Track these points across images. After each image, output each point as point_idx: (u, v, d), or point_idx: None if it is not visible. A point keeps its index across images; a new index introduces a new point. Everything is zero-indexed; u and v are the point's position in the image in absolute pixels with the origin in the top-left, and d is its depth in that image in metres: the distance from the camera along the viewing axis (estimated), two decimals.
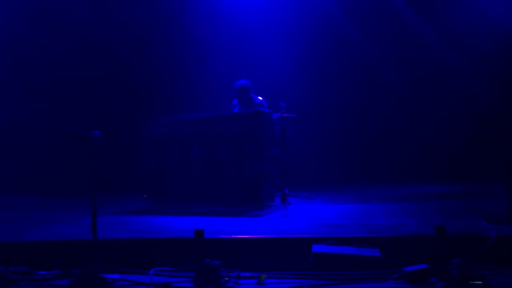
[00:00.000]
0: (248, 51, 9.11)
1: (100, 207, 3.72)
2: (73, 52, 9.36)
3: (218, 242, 3.86)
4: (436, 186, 7.67)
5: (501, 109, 8.36)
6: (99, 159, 3.79)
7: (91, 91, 9.34)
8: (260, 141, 5.77)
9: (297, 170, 7.81)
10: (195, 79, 9.21)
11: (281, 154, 6.42)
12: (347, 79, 9.25)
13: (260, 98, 6.59)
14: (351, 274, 3.50)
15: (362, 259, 3.59)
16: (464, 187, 7.36)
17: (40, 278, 3.64)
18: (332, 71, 9.28)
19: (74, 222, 5.00)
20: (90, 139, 3.74)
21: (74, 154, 7.09)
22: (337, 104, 9.22)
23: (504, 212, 4.16)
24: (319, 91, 9.21)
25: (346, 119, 9.21)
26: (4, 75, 9.19)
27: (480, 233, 3.80)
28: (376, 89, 9.29)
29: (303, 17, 9.23)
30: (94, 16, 9.19)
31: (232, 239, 3.93)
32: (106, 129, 4.37)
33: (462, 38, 8.90)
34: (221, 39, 9.24)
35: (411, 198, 6.52)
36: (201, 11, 9.32)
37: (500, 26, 8.69)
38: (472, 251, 3.57)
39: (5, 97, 9.12)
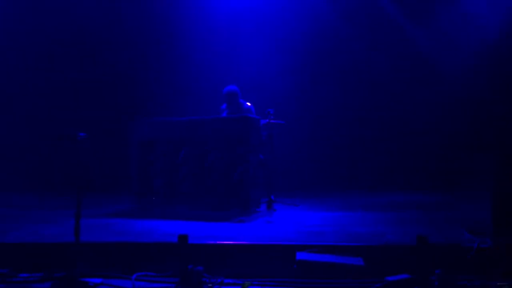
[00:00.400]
0: (238, 56, 9.12)
1: (86, 208, 3.69)
2: (61, 52, 9.31)
3: (202, 247, 3.85)
4: (420, 195, 7.74)
5: (486, 121, 8.47)
6: (85, 161, 3.78)
7: (80, 91, 9.26)
8: (248, 147, 5.77)
9: (284, 176, 7.84)
10: (184, 81, 9.20)
11: (268, 160, 6.43)
12: (336, 87, 9.29)
13: (249, 104, 6.61)
14: (334, 282, 3.53)
15: (345, 267, 3.61)
16: (448, 197, 7.44)
17: (21, 281, 3.61)
18: (320, 78, 9.32)
19: (61, 222, 4.96)
20: (76, 141, 3.72)
21: (66, 154, 7.12)
22: (325, 111, 9.25)
23: (486, 223, 4.21)
24: (307, 98, 9.24)
25: (334, 127, 9.23)
26: None
27: (462, 243, 3.85)
28: (364, 97, 9.33)
29: (293, 23, 9.25)
30: (85, 16, 9.14)
31: (216, 245, 3.93)
32: (95, 129, 4.36)
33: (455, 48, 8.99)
34: (211, 42, 9.24)
35: (395, 207, 6.57)
36: (192, 13, 9.31)
37: (495, 31, 8.78)
38: (454, 261, 3.61)
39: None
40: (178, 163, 6.07)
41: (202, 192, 5.95)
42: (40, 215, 5.77)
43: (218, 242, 3.98)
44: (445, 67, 8.94)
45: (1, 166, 8.68)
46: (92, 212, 5.64)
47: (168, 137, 6.16)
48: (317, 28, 9.24)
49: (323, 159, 9.06)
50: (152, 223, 5.10)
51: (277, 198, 6.43)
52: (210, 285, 3.46)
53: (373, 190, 8.25)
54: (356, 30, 9.29)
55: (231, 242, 3.99)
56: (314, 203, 6.93)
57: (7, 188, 8.15)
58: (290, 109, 8.23)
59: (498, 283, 3.26)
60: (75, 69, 9.27)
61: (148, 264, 3.76)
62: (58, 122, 8.55)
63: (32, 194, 7.93)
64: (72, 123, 8.13)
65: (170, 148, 6.14)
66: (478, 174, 6.37)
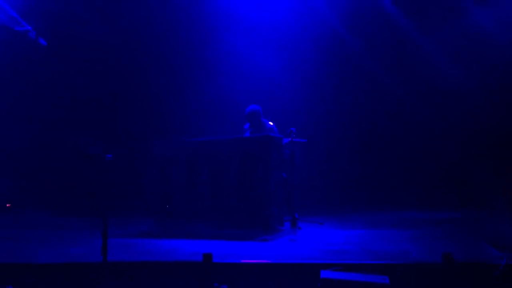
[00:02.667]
0: (261, 76, 9.19)
1: (108, 228, 3.74)
2: (81, 70, 9.48)
3: (226, 266, 3.87)
4: (441, 211, 7.63)
5: (503, 134, 8.39)
6: (109, 181, 3.85)
7: (99, 110, 9.41)
8: (269, 165, 5.79)
9: (307, 195, 7.82)
10: (206, 101, 9.29)
11: (290, 178, 6.44)
12: (358, 106, 9.30)
13: (271, 123, 6.65)
14: None
15: (370, 286, 3.57)
16: (468, 212, 7.33)
17: None
18: (343, 97, 9.34)
19: (85, 243, 5.04)
20: (102, 160, 3.79)
21: (86, 174, 7.24)
22: (347, 129, 9.25)
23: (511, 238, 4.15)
24: (329, 116, 9.26)
25: (356, 145, 9.23)
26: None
27: (488, 260, 3.79)
28: (386, 114, 9.31)
29: (316, 42, 9.32)
30: (105, 33, 9.32)
31: (241, 264, 3.94)
32: (115, 149, 4.43)
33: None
34: (233, 62, 9.34)
35: (418, 223, 6.50)
36: (213, 33, 9.44)
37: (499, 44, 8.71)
38: (481, 279, 3.55)
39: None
40: (199, 183, 6.10)
41: (224, 211, 5.95)
42: (61, 235, 5.84)
43: (242, 260, 4.00)
44: (459, 82, 8.90)
45: (24, 185, 8.84)
46: (114, 232, 5.67)
47: (188, 157, 6.21)
48: (341, 47, 9.30)
49: (347, 177, 9.04)
50: (175, 243, 5.14)
51: (301, 216, 6.42)
52: None
53: (396, 207, 8.17)
54: (371, 47, 9.31)
55: (255, 261, 4.00)
56: (338, 221, 6.89)
57: (35, 207, 8.30)
58: (311, 127, 8.24)
59: None
60: (97, 87, 9.42)
61: (173, 283, 3.79)
62: (78, 141, 8.62)
63: (53, 213, 8.04)
64: (92, 141, 8.22)
65: (191, 168, 6.17)
66: (496, 188, 6.30)
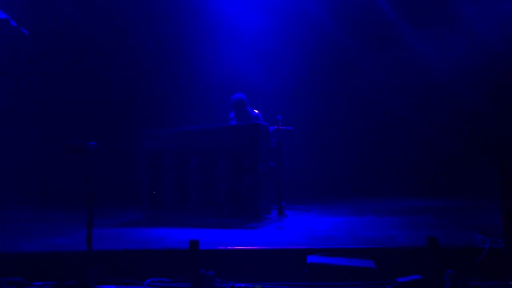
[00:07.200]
0: (246, 63, 9.18)
1: (97, 219, 3.72)
2: (68, 65, 9.43)
3: (213, 253, 3.87)
4: (431, 200, 7.71)
5: (496, 126, 8.47)
6: (95, 171, 3.81)
7: (87, 101, 9.35)
8: (257, 154, 5.79)
9: (294, 183, 7.85)
10: (192, 90, 9.27)
11: (278, 166, 6.45)
12: (344, 93, 9.34)
13: (256, 111, 6.65)
14: (345, 285, 3.53)
15: (356, 270, 3.61)
16: (459, 202, 7.41)
17: None
18: (329, 84, 9.36)
19: (72, 234, 5.00)
20: (87, 151, 3.76)
21: (74, 165, 7.19)
22: (334, 117, 9.31)
23: (497, 225, 4.19)
24: (315, 104, 9.29)
25: (343, 132, 9.28)
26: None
27: (473, 245, 3.83)
28: (373, 103, 9.36)
29: (303, 30, 9.33)
30: (92, 27, 9.25)
31: (227, 250, 3.94)
32: (102, 140, 4.38)
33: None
34: (220, 51, 9.32)
35: (406, 211, 6.55)
36: (199, 23, 9.40)
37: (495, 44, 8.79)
38: (466, 262, 3.59)
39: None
40: (187, 173, 6.11)
41: (212, 200, 5.97)
42: (52, 227, 5.81)
43: (228, 247, 4.00)
44: (450, 76, 8.96)
45: (11, 180, 8.76)
46: (103, 223, 5.68)
47: (176, 147, 6.21)
48: (330, 35, 9.31)
49: (334, 165, 9.08)
50: (163, 231, 5.13)
51: (288, 204, 6.43)
52: None
53: (383, 195, 8.25)
54: (371, 39, 9.33)
55: (242, 247, 4.01)
56: (325, 209, 6.93)
57: (17, 201, 8.23)
58: (297, 115, 8.26)
59: (510, 283, 3.24)
60: (84, 82, 9.37)
61: (160, 271, 3.79)
62: (65, 135, 8.60)
63: (42, 207, 7.97)
64: (80, 135, 8.17)
65: (179, 158, 6.19)
66: (488, 179, 6.36)
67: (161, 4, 9.41)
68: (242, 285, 3.60)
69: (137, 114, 9.19)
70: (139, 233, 5.11)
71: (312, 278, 3.60)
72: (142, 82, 9.48)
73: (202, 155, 6.06)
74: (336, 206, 7.27)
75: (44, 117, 9.37)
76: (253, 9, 9.27)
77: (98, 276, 3.65)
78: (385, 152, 9.15)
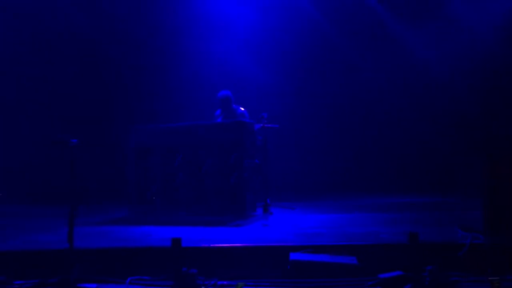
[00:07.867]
0: (232, 61, 9.16)
1: (82, 217, 3.70)
2: (54, 61, 9.35)
3: (195, 250, 3.86)
4: (415, 197, 7.77)
5: (480, 124, 8.55)
6: (80, 169, 3.79)
7: (73, 98, 9.27)
8: (242, 151, 5.79)
9: (280, 180, 7.86)
10: (177, 87, 9.24)
11: (263, 164, 6.45)
12: (329, 90, 9.35)
13: (242, 108, 6.64)
14: (328, 282, 3.54)
15: (338, 266, 3.62)
16: (442, 198, 7.48)
17: None
18: (314, 82, 9.38)
19: (57, 230, 4.97)
20: (68, 144, 3.73)
21: (60, 161, 7.14)
22: (319, 115, 9.31)
23: (478, 222, 4.23)
24: (301, 101, 9.29)
25: (328, 130, 9.30)
26: None
27: (454, 241, 3.86)
28: (358, 100, 9.38)
29: (287, 27, 9.32)
30: (80, 23, 9.20)
31: (210, 248, 3.94)
32: (88, 136, 4.37)
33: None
34: (205, 48, 9.29)
35: (389, 208, 6.61)
36: (185, 19, 9.36)
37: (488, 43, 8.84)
38: (446, 258, 3.62)
39: None
40: (174, 170, 6.08)
41: (199, 197, 5.94)
42: (36, 223, 5.78)
43: (211, 245, 4.00)
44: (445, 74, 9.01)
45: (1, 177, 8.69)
46: (88, 220, 5.66)
47: (163, 144, 6.17)
48: (314, 32, 9.31)
49: (319, 162, 9.11)
50: (147, 229, 5.11)
51: (273, 201, 6.44)
52: (204, 287, 3.47)
53: (368, 192, 8.29)
54: (357, 34, 9.34)
55: (225, 245, 4.00)
56: (311, 206, 6.95)
57: (6, 196, 8.17)
58: (283, 113, 8.25)
59: (489, 278, 3.27)
60: (70, 77, 9.29)
61: (143, 269, 3.77)
62: (52, 131, 8.51)
63: (28, 203, 7.92)
64: (67, 131, 8.12)
65: (166, 154, 6.14)
66: (472, 175, 6.42)
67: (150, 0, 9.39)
68: (225, 282, 3.60)
69: (126, 111, 9.12)
70: (123, 231, 5.09)
71: (294, 275, 3.61)
72: (130, 78, 9.43)
73: (189, 152, 6.03)
74: (322, 203, 7.29)
75: (32, 113, 9.27)
76: (245, 4, 9.26)
77: (80, 274, 3.63)
78: (374, 150, 9.19)
